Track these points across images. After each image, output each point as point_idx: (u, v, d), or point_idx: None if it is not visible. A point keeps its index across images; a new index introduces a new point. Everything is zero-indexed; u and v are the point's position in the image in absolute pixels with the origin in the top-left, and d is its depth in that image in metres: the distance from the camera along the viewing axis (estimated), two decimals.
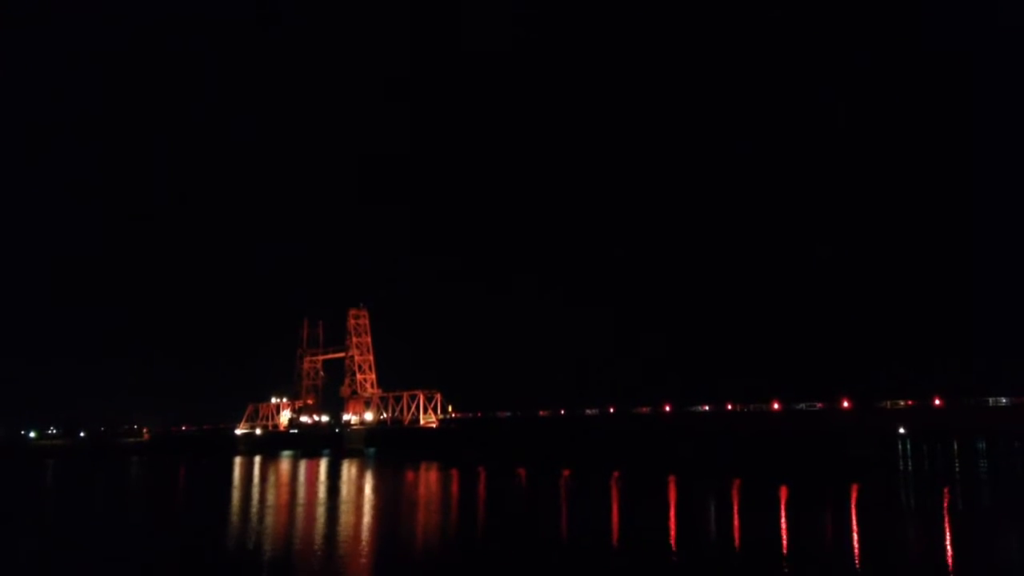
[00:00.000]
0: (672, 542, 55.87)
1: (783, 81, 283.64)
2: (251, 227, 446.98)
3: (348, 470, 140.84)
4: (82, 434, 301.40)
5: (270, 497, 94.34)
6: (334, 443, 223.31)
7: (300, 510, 79.32)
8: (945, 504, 76.27)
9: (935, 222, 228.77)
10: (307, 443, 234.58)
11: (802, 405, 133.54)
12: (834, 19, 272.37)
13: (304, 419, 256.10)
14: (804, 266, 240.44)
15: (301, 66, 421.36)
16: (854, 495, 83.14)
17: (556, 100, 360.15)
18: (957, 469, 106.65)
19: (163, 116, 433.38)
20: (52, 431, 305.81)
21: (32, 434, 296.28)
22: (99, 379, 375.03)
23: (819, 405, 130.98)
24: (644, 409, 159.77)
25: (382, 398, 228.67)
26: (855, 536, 57.50)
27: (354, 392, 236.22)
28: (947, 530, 60.66)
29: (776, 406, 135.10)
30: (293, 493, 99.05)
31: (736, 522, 65.28)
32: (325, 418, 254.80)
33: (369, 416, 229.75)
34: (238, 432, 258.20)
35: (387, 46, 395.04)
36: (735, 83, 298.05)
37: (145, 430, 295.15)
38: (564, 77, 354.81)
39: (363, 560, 51.30)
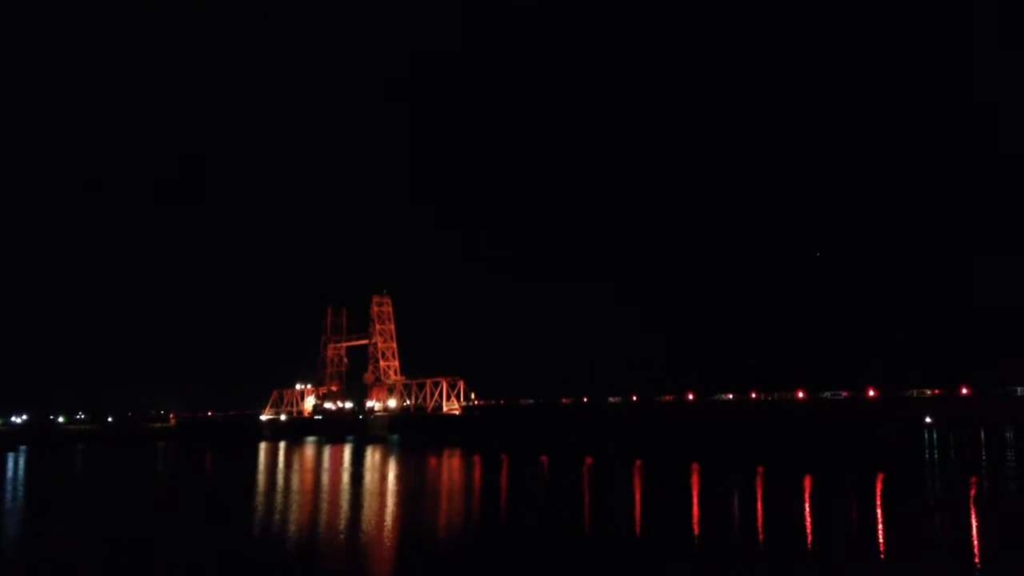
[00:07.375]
0: (695, 532, 55.76)
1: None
2: (276, 215, 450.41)
3: (372, 456, 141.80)
4: (110, 420, 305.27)
5: (295, 483, 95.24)
6: (358, 429, 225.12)
7: (324, 496, 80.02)
8: (972, 494, 75.42)
9: (956, 215, 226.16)
10: (331, 429, 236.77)
11: (827, 394, 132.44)
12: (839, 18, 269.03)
13: (328, 405, 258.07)
14: (830, 255, 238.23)
15: (321, 54, 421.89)
16: (880, 485, 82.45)
17: (582, 94, 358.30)
18: (984, 459, 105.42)
19: (179, 113, 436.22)
20: (80, 416, 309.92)
21: (61, 419, 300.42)
22: (126, 366, 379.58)
23: (844, 394, 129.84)
24: (668, 397, 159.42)
25: (405, 385, 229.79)
26: (880, 527, 57.02)
27: (377, 379, 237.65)
28: (974, 521, 60.01)
29: (801, 395, 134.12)
30: (317, 479, 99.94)
31: (760, 512, 65.00)
32: (349, 404, 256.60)
33: (392, 403, 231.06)
34: (263, 418, 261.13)
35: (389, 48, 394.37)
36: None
37: (171, 416, 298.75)
38: (581, 73, 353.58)
39: (387, 546, 51.68)
